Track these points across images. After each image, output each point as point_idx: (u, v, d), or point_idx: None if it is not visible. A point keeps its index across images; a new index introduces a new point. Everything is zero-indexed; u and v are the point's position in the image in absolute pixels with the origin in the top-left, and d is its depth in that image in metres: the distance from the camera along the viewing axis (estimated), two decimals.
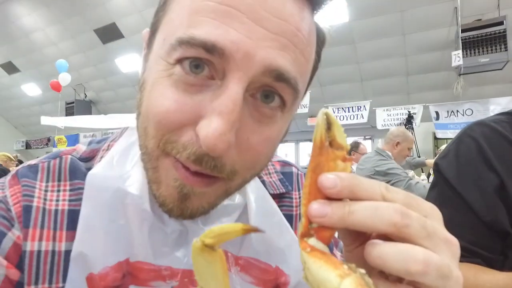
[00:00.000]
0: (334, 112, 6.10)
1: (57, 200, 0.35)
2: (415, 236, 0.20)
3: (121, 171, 0.36)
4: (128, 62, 8.40)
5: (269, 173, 0.48)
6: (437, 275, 0.19)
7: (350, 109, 6.72)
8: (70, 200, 0.36)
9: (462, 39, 4.84)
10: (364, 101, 6.66)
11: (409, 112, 5.78)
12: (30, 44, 9.55)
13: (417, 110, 5.90)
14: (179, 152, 0.29)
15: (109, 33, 8.03)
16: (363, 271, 0.19)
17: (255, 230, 0.25)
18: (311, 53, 0.34)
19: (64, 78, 6.84)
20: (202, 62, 0.27)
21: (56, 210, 0.35)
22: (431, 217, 0.23)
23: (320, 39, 0.36)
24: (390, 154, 2.39)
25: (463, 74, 5.10)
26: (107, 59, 8.84)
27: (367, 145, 4.18)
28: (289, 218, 0.46)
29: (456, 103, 5.46)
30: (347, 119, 6.81)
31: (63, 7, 7.99)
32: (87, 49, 8.91)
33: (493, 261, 0.54)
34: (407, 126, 5.58)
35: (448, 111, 5.54)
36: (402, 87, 6.79)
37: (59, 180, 0.37)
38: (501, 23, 4.67)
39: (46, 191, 0.36)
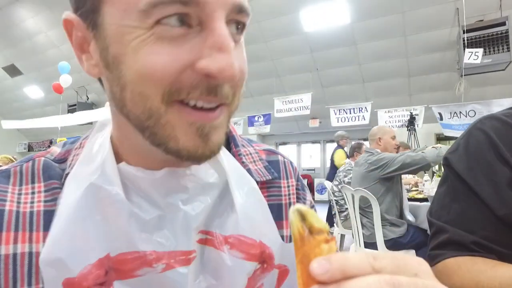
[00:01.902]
0: (335, 114, 6.10)
1: (32, 202, 0.35)
2: None
3: (93, 166, 0.35)
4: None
5: (254, 161, 0.48)
6: None
7: (352, 110, 6.71)
8: (45, 201, 0.36)
9: (464, 40, 4.82)
10: (365, 102, 6.64)
11: (411, 113, 5.76)
12: (32, 46, 9.60)
13: (419, 111, 5.88)
14: (189, 93, 0.30)
15: None
16: None
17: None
18: None
19: (66, 80, 6.86)
20: (180, 16, 0.29)
21: (31, 212, 0.35)
22: (421, 273, 0.23)
23: None
24: (378, 150, 2.47)
25: (465, 75, 5.08)
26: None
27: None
28: (279, 207, 0.47)
29: (459, 104, 5.43)
30: (348, 121, 6.79)
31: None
32: None
33: (507, 257, 0.52)
34: (409, 128, 5.56)
35: (451, 113, 5.52)
36: (403, 88, 6.78)
37: (32, 182, 0.37)
38: (503, 23, 4.65)
39: (19, 194, 0.36)
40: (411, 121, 5.56)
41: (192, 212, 0.37)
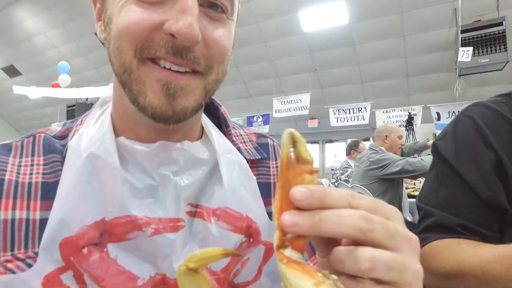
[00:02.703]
0: (335, 114, 6.12)
1: (31, 174, 0.38)
2: (379, 238, 0.22)
3: (93, 138, 0.38)
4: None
5: (244, 142, 0.50)
6: (386, 270, 0.22)
7: (351, 110, 6.74)
8: (44, 173, 0.38)
9: (461, 40, 4.85)
10: (364, 102, 6.67)
11: (409, 113, 5.79)
12: (32, 47, 9.60)
13: (417, 111, 5.91)
14: (157, 50, 0.34)
15: None
16: (335, 277, 0.22)
17: (235, 254, 0.30)
18: None
19: (64, 80, 6.87)
20: None
21: (30, 183, 0.37)
22: (393, 218, 0.24)
23: None
24: (382, 148, 2.45)
25: (463, 75, 5.10)
26: (108, 62, 8.87)
27: (368, 146, 4.19)
28: (267, 186, 0.49)
29: (457, 103, 5.46)
30: (348, 121, 6.82)
31: (64, 11, 8.05)
32: (88, 52, 8.96)
33: (491, 239, 0.54)
34: (407, 128, 5.58)
35: (449, 112, 5.55)
36: (402, 88, 6.80)
37: (32, 156, 0.39)
38: (500, 23, 4.68)
39: (19, 166, 0.38)
40: (410, 121, 5.58)
41: (182, 183, 0.40)
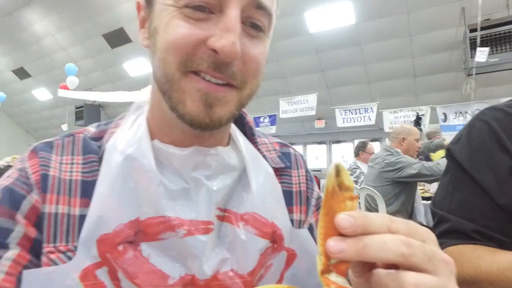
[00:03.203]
0: (341, 114, 6.09)
1: (71, 172, 0.40)
2: (419, 263, 0.23)
3: (130, 141, 0.40)
4: (135, 66, 8.50)
5: (269, 150, 0.52)
6: None
7: (358, 111, 6.70)
8: (83, 172, 0.40)
9: (470, 39, 4.79)
10: (371, 103, 6.63)
11: (417, 113, 5.73)
12: (40, 49, 9.73)
13: (425, 111, 5.85)
14: (200, 64, 0.36)
15: (117, 38, 8.15)
16: None
17: None
18: None
19: (72, 81, 6.95)
20: (204, 3, 0.35)
21: (70, 180, 0.39)
22: (429, 241, 0.26)
23: None
24: (398, 150, 2.39)
25: (472, 74, 5.04)
26: (115, 63, 8.96)
27: (375, 147, 4.15)
28: (289, 194, 0.51)
29: (465, 104, 5.39)
30: (354, 121, 6.78)
31: (72, 13, 8.14)
32: (95, 54, 9.05)
33: (508, 245, 0.53)
34: None
35: (456, 112, 5.48)
36: (409, 88, 6.75)
37: (72, 155, 0.41)
38: (509, 22, 4.61)
39: (61, 163, 0.40)
40: (417, 122, 5.53)
41: (214, 188, 0.42)
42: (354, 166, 3.40)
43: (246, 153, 0.46)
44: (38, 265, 0.36)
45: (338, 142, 9.97)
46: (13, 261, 0.34)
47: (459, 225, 0.60)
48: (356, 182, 3.16)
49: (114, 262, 0.36)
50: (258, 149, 0.50)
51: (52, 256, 0.36)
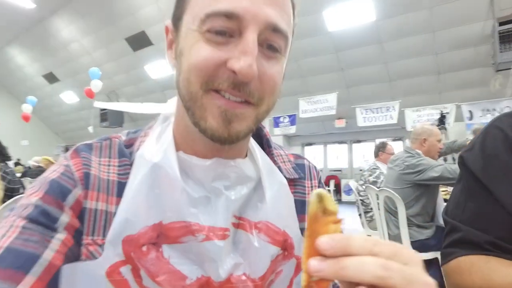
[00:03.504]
0: (362, 114, 5.98)
1: (108, 172, 0.43)
2: (397, 285, 0.24)
3: (157, 150, 0.44)
4: (157, 68, 8.70)
5: (284, 162, 0.55)
6: None
7: (379, 110, 6.56)
8: (118, 174, 0.43)
9: (499, 33, 4.58)
10: (393, 101, 6.47)
11: (441, 112, 5.55)
12: (68, 54, 10.14)
13: (450, 109, 5.65)
14: (220, 83, 0.39)
15: (139, 41, 8.37)
16: None
17: None
18: (290, 10, 0.43)
19: (96, 85, 7.20)
20: (224, 28, 0.38)
21: (108, 180, 0.43)
22: (412, 263, 0.26)
23: (293, 4, 0.45)
24: (419, 152, 2.31)
25: (501, 70, 4.82)
26: (137, 66, 9.20)
27: (397, 146, 4.05)
28: (302, 203, 0.53)
29: (492, 101, 5.17)
30: (375, 120, 6.65)
31: (97, 18, 8.43)
32: (118, 57, 9.33)
33: None
34: (439, 127, 5.34)
35: (483, 110, 5.25)
36: (433, 86, 6.54)
37: (109, 157, 0.45)
38: None
39: (99, 164, 0.44)
40: (442, 120, 5.35)
41: (232, 197, 0.45)
42: (374, 167, 3.33)
43: (262, 165, 0.48)
44: (78, 252, 0.39)
45: (359, 141, 9.80)
46: (62, 242, 0.37)
47: (471, 236, 0.58)
48: (375, 182, 3.09)
49: (137, 261, 0.39)
50: (274, 161, 0.53)
51: (90, 248, 0.39)
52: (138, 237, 0.39)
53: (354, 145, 10.00)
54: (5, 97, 13.18)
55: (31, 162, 5.59)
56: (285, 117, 7.84)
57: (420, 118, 5.96)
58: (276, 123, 8.05)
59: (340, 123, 8.34)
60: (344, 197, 9.32)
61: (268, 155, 0.52)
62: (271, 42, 0.40)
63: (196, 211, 0.42)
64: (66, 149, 13.41)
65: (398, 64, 6.48)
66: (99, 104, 7.21)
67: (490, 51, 5.23)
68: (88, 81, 7.44)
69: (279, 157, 0.55)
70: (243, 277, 0.44)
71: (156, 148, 0.44)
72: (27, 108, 8.74)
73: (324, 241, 0.26)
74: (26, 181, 3.87)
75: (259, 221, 0.45)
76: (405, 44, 6.06)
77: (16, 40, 10.53)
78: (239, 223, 0.46)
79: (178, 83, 0.42)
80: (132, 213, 0.39)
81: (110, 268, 0.38)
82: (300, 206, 0.52)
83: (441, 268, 0.65)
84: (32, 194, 0.40)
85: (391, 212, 2.30)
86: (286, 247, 0.47)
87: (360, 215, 3.15)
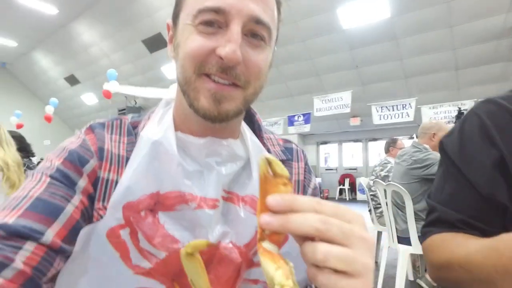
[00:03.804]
0: (377, 111, 5.89)
1: (119, 148, 0.49)
2: (333, 237, 0.28)
3: (158, 130, 0.49)
4: (173, 69, 8.84)
5: (274, 145, 0.60)
6: (338, 261, 0.28)
7: (395, 107, 6.47)
8: (127, 150, 0.49)
9: None
10: (409, 98, 6.37)
11: (459, 108, 5.42)
12: (88, 57, 10.48)
13: (468, 106, 5.51)
14: (210, 68, 0.44)
15: (156, 43, 8.56)
16: (292, 264, 0.29)
17: (213, 245, 0.43)
18: (273, 6, 0.48)
19: (113, 86, 7.43)
20: (213, 21, 0.44)
21: (118, 154, 0.48)
22: (353, 222, 0.30)
23: (278, 0, 0.50)
24: (427, 146, 2.29)
25: None
26: (154, 67, 9.42)
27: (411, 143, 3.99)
28: None
29: None
30: (391, 118, 6.55)
31: (115, 22, 8.68)
32: (135, 59, 9.58)
33: (493, 235, 0.54)
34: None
35: None
36: (451, 82, 6.39)
37: (120, 135, 0.51)
38: None
39: (110, 140, 0.49)
40: (460, 117, 5.22)
41: (223, 172, 0.50)
42: (385, 161, 3.30)
43: (252, 146, 0.53)
44: (90, 215, 0.45)
45: (374, 139, 9.67)
46: (80, 201, 0.43)
47: (445, 215, 0.62)
48: (387, 176, 3.06)
49: (136, 225, 0.44)
50: (264, 143, 0.57)
51: (101, 212, 0.45)
52: (138, 204, 0.44)
53: (370, 143, 9.88)
54: (30, 100, 13.76)
55: None
56: (299, 116, 7.85)
57: (437, 115, 5.84)
58: (291, 121, 8.06)
59: (355, 121, 8.26)
60: (359, 196, 9.22)
61: (258, 138, 0.57)
62: (254, 32, 0.45)
63: (190, 183, 0.47)
64: None
65: (414, 60, 6.37)
66: (111, 87, 7.37)
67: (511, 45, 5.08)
68: (107, 82, 7.68)
69: (269, 141, 0.60)
70: (230, 245, 0.48)
71: (158, 129, 0.49)
72: (49, 110, 9.10)
73: (272, 199, 0.29)
74: None
75: (246, 195, 0.50)
76: (421, 40, 5.96)
77: (41, 45, 10.99)
78: (228, 196, 0.50)
79: (176, 70, 0.48)
80: (133, 182, 0.44)
81: (109, 230, 0.43)
82: None
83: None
84: (52, 159, 0.46)
85: (398, 207, 2.29)
86: None
87: (370, 210, 3.13)
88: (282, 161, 0.58)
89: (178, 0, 0.50)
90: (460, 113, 5.28)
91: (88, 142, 0.48)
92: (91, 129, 0.50)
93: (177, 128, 0.51)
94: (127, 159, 0.47)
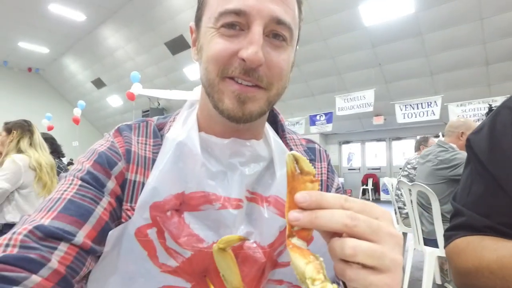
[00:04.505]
0: (401, 110, 5.73)
1: (145, 150, 0.50)
2: (362, 232, 0.28)
3: (182, 132, 0.51)
4: (195, 70, 9.00)
5: (296, 145, 0.60)
6: (366, 256, 0.28)
7: (420, 105, 6.28)
8: (153, 152, 0.50)
9: None
10: (434, 96, 6.16)
11: (490, 105, 5.19)
12: (114, 61, 10.83)
13: (500, 102, 5.26)
14: (234, 71, 0.45)
15: (178, 45, 8.73)
16: (321, 258, 0.29)
17: (245, 239, 0.42)
18: (294, 5, 0.48)
19: (137, 88, 7.64)
20: (235, 23, 0.44)
21: (145, 156, 0.50)
22: (381, 218, 0.31)
23: (298, 0, 0.51)
24: (454, 146, 2.18)
25: None
26: (176, 69, 9.60)
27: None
28: None
29: None
30: (416, 117, 6.37)
31: (139, 26, 8.92)
32: (159, 61, 9.80)
33: None
34: None
35: None
36: (480, 78, 6.12)
37: (146, 137, 0.52)
38: None
39: (137, 142, 0.51)
40: None
41: (246, 172, 0.50)
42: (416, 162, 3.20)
43: (275, 146, 0.54)
44: (119, 215, 0.46)
45: (398, 138, 9.40)
46: (108, 202, 0.45)
47: (473, 221, 0.57)
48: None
49: (162, 224, 0.45)
50: (287, 143, 0.58)
51: (129, 213, 0.46)
52: (164, 204, 0.45)
53: (394, 143, 9.62)
54: (60, 103, 14.40)
55: None
56: (321, 115, 7.76)
57: (465, 113, 5.61)
58: (313, 121, 7.99)
59: (379, 120, 8.08)
60: (383, 196, 9.02)
61: (281, 139, 0.57)
62: (276, 32, 0.45)
63: (214, 183, 0.48)
64: None
65: (440, 56, 6.15)
66: (137, 89, 7.64)
67: None
68: (131, 85, 7.91)
69: (292, 141, 0.60)
70: (254, 245, 0.48)
71: (182, 130, 0.51)
72: (77, 112, 9.46)
73: (300, 196, 0.30)
74: None
75: (270, 196, 0.50)
76: (448, 35, 5.74)
77: (70, 50, 11.48)
78: (252, 197, 0.50)
79: (200, 73, 0.50)
80: (159, 183, 0.45)
81: (137, 230, 0.44)
82: None
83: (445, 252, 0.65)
84: (83, 161, 0.48)
85: (424, 207, 2.21)
86: None
87: (395, 211, 3.05)
88: None
89: (200, 4, 0.51)
90: (490, 110, 5.05)
91: (116, 144, 0.50)
92: (119, 131, 0.52)
93: (201, 129, 0.52)
94: (153, 161, 0.49)
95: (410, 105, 6.36)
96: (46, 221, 0.39)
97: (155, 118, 0.57)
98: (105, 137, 0.53)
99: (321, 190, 0.59)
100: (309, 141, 0.65)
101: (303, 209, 0.30)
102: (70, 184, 0.45)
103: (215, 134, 0.51)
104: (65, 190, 0.44)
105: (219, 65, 0.45)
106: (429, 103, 6.10)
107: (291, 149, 0.57)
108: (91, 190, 0.45)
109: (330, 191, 0.60)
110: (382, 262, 0.28)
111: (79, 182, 0.45)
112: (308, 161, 0.32)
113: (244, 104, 0.46)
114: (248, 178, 0.50)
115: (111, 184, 0.46)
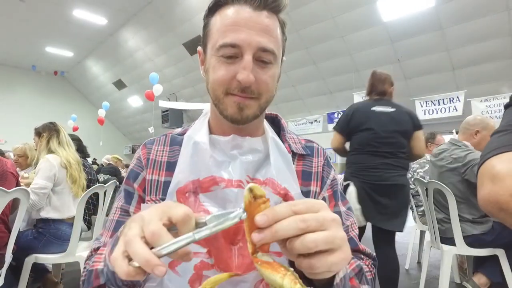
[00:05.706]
0: (422, 106, 5.62)
1: (161, 156, 0.67)
2: (314, 228, 0.35)
3: (197, 133, 0.67)
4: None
5: (295, 142, 0.73)
6: (324, 243, 0.34)
7: (441, 101, 6.13)
8: (168, 156, 0.67)
9: None
10: (457, 91, 5.99)
11: None
12: (133, 62, 11.11)
13: None
14: (233, 90, 0.59)
15: (196, 45, 8.78)
16: (291, 269, 0.35)
17: (236, 275, 0.47)
18: (277, 33, 0.61)
19: (157, 89, 7.86)
20: (232, 54, 0.58)
21: (160, 161, 0.66)
22: (321, 209, 0.37)
23: (282, 24, 0.63)
24: (467, 144, 2.11)
25: None
26: (194, 69, 9.74)
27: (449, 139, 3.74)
28: (309, 173, 0.70)
29: None
30: (437, 113, 6.21)
31: (157, 28, 9.12)
32: (177, 62, 9.98)
33: None
34: None
35: None
36: (506, 72, 5.86)
37: (164, 145, 0.69)
38: None
39: (156, 151, 0.68)
40: (508, 106, 4.80)
41: (245, 160, 0.64)
42: (424, 160, 3.09)
43: (271, 142, 0.67)
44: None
45: None
46: (135, 208, 0.64)
47: None
48: (423, 178, 2.90)
49: (183, 203, 0.56)
50: (286, 140, 0.71)
51: (149, 203, 0.63)
52: (184, 188, 0.60)
53: None
54: (83, 104, 14.94)
55: (103, 160, 6.29)
56: (339, 113, 7.69)
57: (490, 109, 5.43)
58: (331, 119, 7.93)
59: None
60: None
61: (281, 137, 0.72)
62: (262, 58, 0.59)
63: (220, 169, 0.62)
64: (133, 150, 14.70)
65: (462, 50, 5.96)
66: (163, 104, 8.03)
67: None
68: (150, 85, 8.11)
69: (291, 139, 0.73)
70: None
71: (198, 132, 0.67)
72: (101, 113, 9.78)
73: (259, 218, 0.35)
74: (100, 176, 4.38)
75: (266, 179, 0.63)
76: (471, 27, 5.56)
77: (92, 53, 11.88)
78: (252, 181, 0.62)
79: (208, 89, 0.64)
80: (181, 174, 0.61)
81: None
82: (307, 175, 0.70)
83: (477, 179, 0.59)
84: (125, 178, 0.69)
85: (439, 207, 2.16)
86: (287, 199, 0.62)
87: (412, 209, 2.98)
88: (302, 155, 0.71)
89: (204, 33, 0.65)
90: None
91: (141, 157, 0.68)
92: (144, 145, 0.71)
93: (212, 130, 0.68)
94: (168, 163, 0.66)
95: (431, 101, 6.22)
96: (108, 239, 0.63)
97: (185, 125, 0.75)
98: (137, 152, 0.71)
99: (317, 181, 0.70)
100: (308, 141, 0.78)
101: (264, 227, 0.35)
102: (116, 208, 0.66)
103: (223, 133, 0.66)
104: (113, 214, 0.65)
105: (222, 86, 0.59)
106: (451, 99, 5.94)
107: (289, 145, 0.71)
108: (125, 205, 0.65)
109: (325, 182, 0.70)
110: (335, 242, 0.35)
111: (120, 204, 0.65)
112: (259, 186, 0.37)
113: (242, 111, 0.60)
114: (247, 165, 0.63)
115: (136, 195, 0.66)
